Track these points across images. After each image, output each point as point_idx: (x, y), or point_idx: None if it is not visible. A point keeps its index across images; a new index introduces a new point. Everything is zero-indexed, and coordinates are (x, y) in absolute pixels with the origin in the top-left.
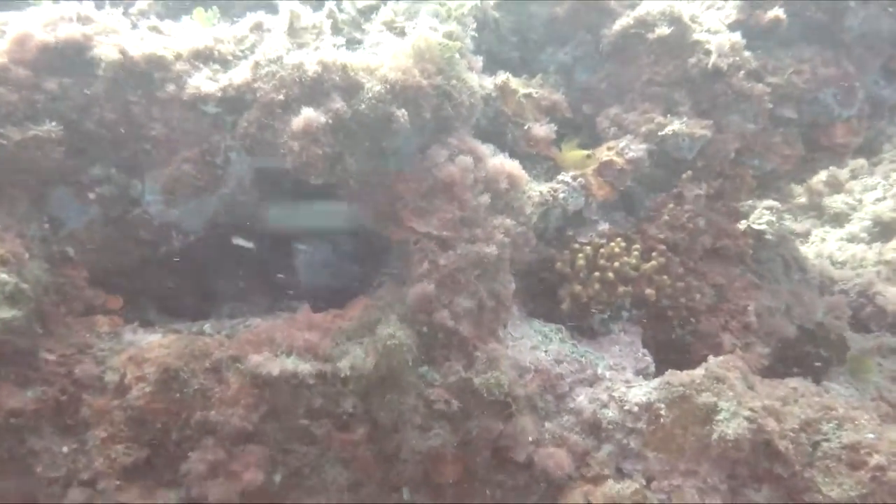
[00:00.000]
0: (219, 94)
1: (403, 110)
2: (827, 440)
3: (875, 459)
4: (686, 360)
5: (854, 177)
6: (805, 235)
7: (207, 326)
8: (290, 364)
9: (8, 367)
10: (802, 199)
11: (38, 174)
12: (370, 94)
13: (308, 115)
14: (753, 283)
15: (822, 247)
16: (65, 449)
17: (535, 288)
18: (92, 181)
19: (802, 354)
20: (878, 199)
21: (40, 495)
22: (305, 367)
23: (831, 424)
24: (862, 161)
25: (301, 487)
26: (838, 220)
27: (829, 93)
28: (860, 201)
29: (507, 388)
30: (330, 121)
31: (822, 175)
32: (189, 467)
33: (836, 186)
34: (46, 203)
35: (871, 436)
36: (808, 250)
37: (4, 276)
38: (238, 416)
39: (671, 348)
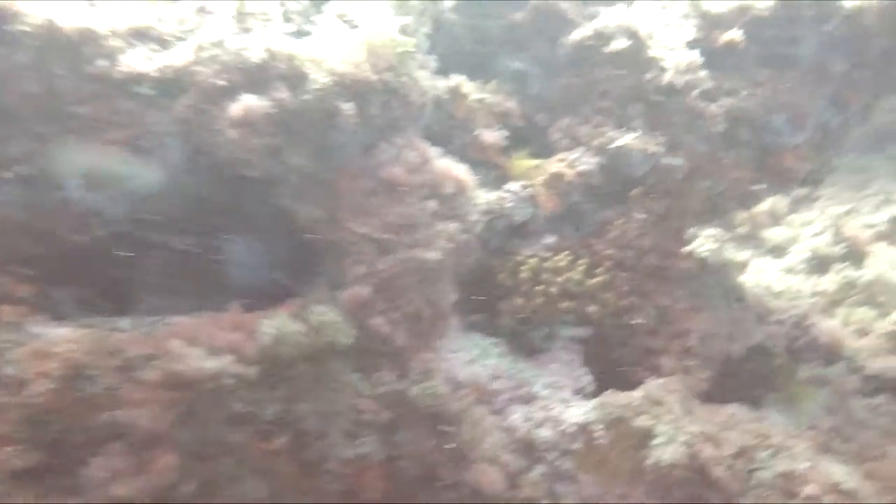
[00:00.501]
0: (155, 75)
1: (351, 104)
2: (762, 468)
3: (808, 489)
4: (624, 381)
5: (793, 210)
6: (744, 265)
7: (125, 323)
8: (211, 365)
9: None
10: (744, 229)
11: None
12: (316, 86)
13: (249, 102)
14: (696, 307)
15: (760, 277)
16: None
17: (475, 299)
18: (9, 159)
19: (741, 380)
20: (816, 234)
21: None
22: (227, 370)
23: (767, 452)
24: (806, 191)
25: (216, 499)
26: (777, 251)
27: (782, 118)
28: (799, 234)
29: (443, 400)
30: (272, 110)
31: (765, 205)
32: (90, 474)
33: (776, 218)
34: None
35: (805, 465)
36: (746, 279)
37: None
38: (148, 419)
39: (611, 368)
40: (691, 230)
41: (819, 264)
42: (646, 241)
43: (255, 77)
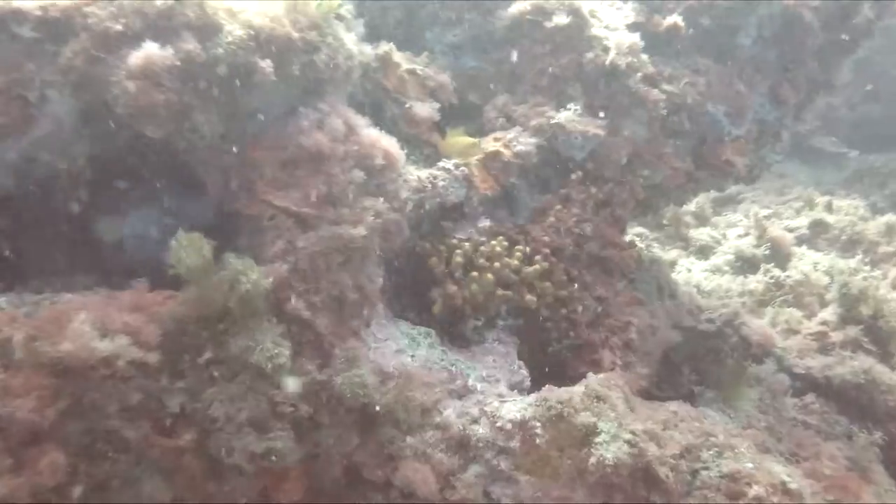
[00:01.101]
0: (38, 14)
1: (268, 62)
2: (706, 468)
3: (753, 490)
4: (563, 375)
5: (717, 213)
6: (672, 264)
7: (3, 301)
8: (102, 348)
9: None
10: (671, 229)
11: None
12: (230, 39)
13: (151, 51)
14: (636, 299)
15: (688, 276)
16: None
17: (404, 285)
18: None
19: (677, 378)
20: (740, 235)
21: None
22: (122, 354)
23: (711, 452)
24: (741, 186)
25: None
26: (703, 252)
27: (721, 109)
28: (724, 235)
29: (369, 391)
30: (178, 62)
31: (691, 206)
32: None
33: (702, 220)
34: None
35: (749, 465)
36: (676, 278)
37: None
38: (27, 410)
39: (547, 362)
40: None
41: (743, 265)
42: (586, 229)
43: (159, 24)
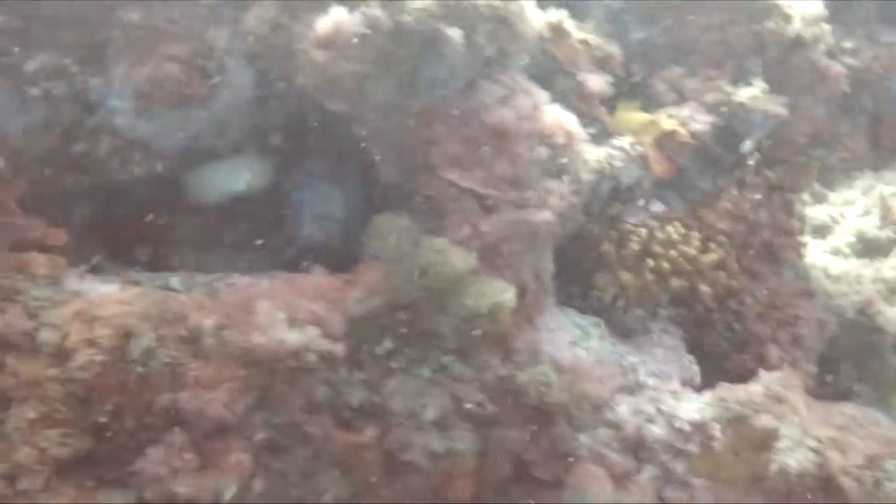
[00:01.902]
0: None
1: (457, 30)
2: (890, 479)
3: None
4: (721, 368)
5: (831, 189)
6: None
7: (176, 280)
8: (292, 340)
9: None
10: None
11: None
12: (418, 5)
13: (340, 16)
14: (806, 291)
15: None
16: None
17: (562, 268)
18: (37, 73)
19: (837, 375)
20: (860, 215)
21: None
22: (311, 345)
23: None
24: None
25: (289, 497)
26: (820, 232)
27: None
28: (842, 214)
29: (553, 389)
30: (365, 30)
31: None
32: (144, 468)
33: (818, 196)
34: None
35: None
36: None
37: None
38: (218, 404)
39: (707, 354)
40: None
41: (865, 248)
42: (761, 215)
43: None
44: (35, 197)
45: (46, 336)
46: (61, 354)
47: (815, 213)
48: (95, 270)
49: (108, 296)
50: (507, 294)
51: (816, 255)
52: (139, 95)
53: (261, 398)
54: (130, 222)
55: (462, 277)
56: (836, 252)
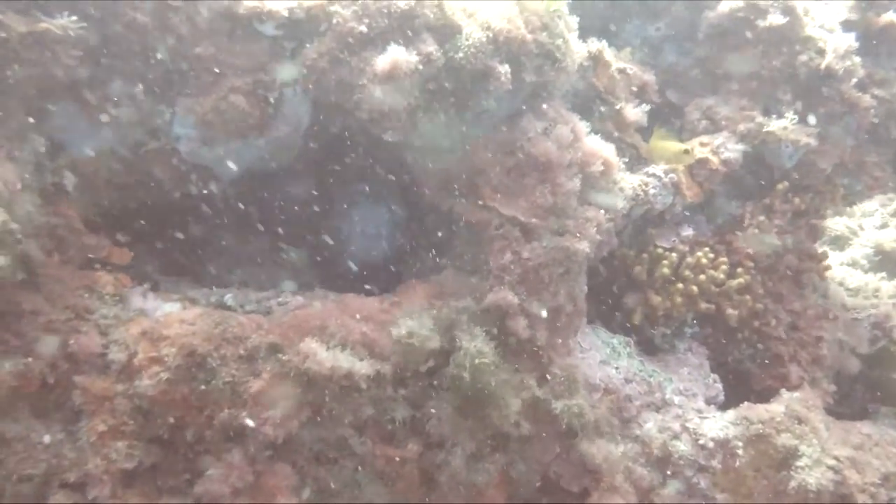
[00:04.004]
0: (284, 14)
1: (506, 66)
2: None
3: None
4: (745, 386)
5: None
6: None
7: (229, 297)
8: (346, 361)
9: None
10: None
11: (42, 82)
12: (469, 41)
13: (397, 54)
14: (827, 313)
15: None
16: (46, 439)
17: (596, 290)
18: (109, 99)
19: (855, 393)
20: (878, 227)
21: (6, 493)
22: (363, 367)
23: None
24: None
25: None
26: (838, 243)
27: None
28: (860, 226)
29: (586, 419)
30: (420, 66)
31: None
32: (206, 487)
33: (837, 209)
34: (46, 120)
35: None
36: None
37: None
38: (274, 421)
39: (729, 372)
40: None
41: (883, 260)
42: (787, 241)
43: (401, 25)
44: (100, 217)
45: (115, 354)
46: (129, 371)
47: (834, 224)
48: (154, 287)
49: (172, 315)
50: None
51: (834, 267)
52: (203, 124)
53: (313, 415)
54: (185, 239)
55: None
56: (854, 264)
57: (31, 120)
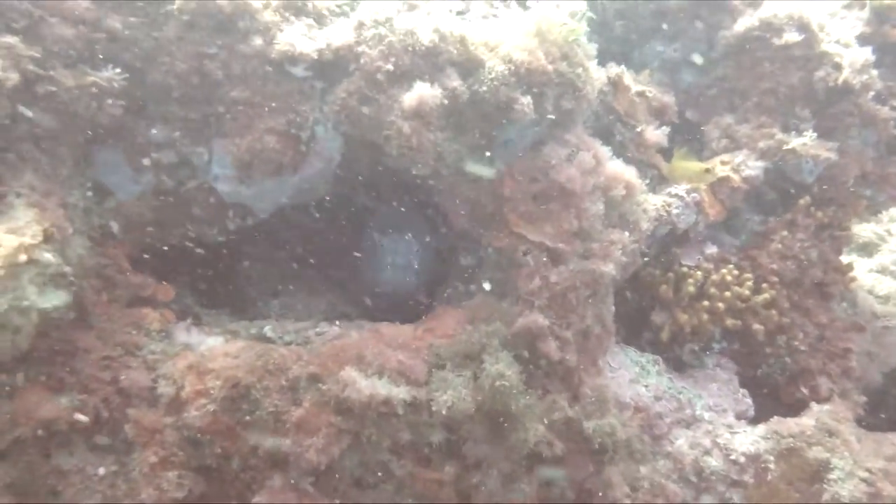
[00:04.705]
0: (314, 56)
1: (528, 98)
2: None
3: None
4: (774, 399)
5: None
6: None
7: (268, 328)
8: (383, 389)
9: (41, 367)
10: None
11: (89, 131)
12: (492, 75)
13: (423, 91)
14: (855, 325)
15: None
16: (101, 471)
17: (623, 310)
18: (149, 144)
19: (885, 405)
20: None
21: None
22: (399, 393)
23: None
24: None
25: None
26: (867, 249)
27: None
28: (889, 231)
29: (618, 437)
30: (445, 101)
31: None
32: None
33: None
34: (92, 166)
35: None
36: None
37: (49, 257)
38: (317, 449)
39: (759, 387)
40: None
41: None
42: (812, 255)
43: (425, 62)
44: (144, 255)
45: (164, 388)
46: (177, 404)
47: (862, 230)
48: (197, 321)
49: (216, 349)
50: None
51: (862, 274)
52: (240, 164)
53: (353, 441)
54: (224, 273)
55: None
56: (884, 270)
57: (78, 167)
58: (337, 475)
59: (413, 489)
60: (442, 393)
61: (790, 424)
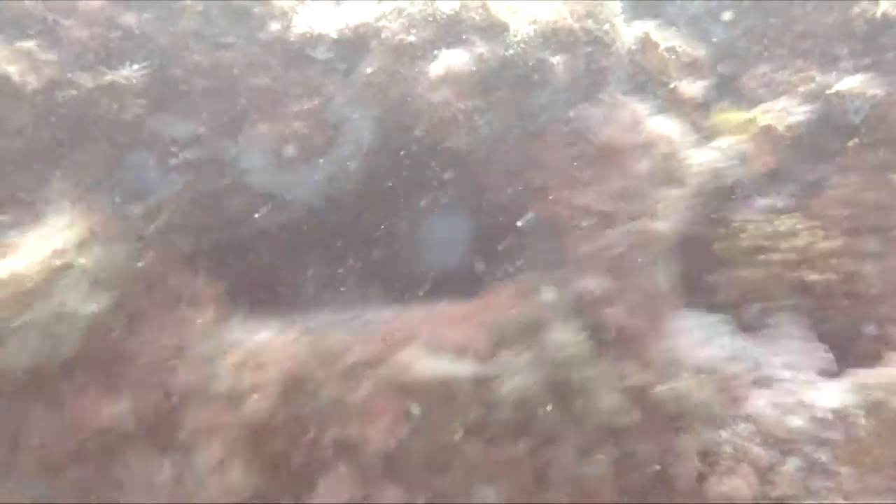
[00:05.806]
0: (333, 36)
1: (559, 58)
2: None
3: None
4: (850, 354)
5: None
6: None
7: (318, 319)
8: (444, 367)
9: (90, 373)
10: None
11: (113, 133)
12: (518, 38)
13: (449, 59)
14: None
15: None
16: (163, 475)
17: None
18: (176, 142)
19: None
20: None
21: None
22: (462, 370)
23: None
24: None
25: None
26: None
27: None
28: None
29: (691, 399)
30: (474, 68)
31: None
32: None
33: None
34: (120, 169)
35: None
36: None
37: (84, 262)
38: (381, 434)
39: (831, 340)
40: None
41: None
42: (868, 198)
43: (447, 31)
44: (184, 255)
45: (218, 385)
46: (234, 400)
47: None
48: (246, 316)
49: (268, 342)
50: None
51: None
52: (268, 153)
53: (419, 424)
54: (267, 266)
55: None
56: None
57: (106, 170)
58: (405, 460)
59: (485, 469)
60: (509, 376)
61: (875, 375)
